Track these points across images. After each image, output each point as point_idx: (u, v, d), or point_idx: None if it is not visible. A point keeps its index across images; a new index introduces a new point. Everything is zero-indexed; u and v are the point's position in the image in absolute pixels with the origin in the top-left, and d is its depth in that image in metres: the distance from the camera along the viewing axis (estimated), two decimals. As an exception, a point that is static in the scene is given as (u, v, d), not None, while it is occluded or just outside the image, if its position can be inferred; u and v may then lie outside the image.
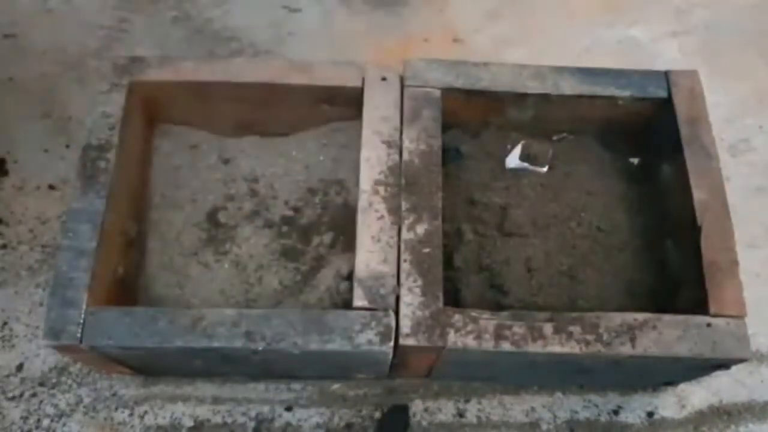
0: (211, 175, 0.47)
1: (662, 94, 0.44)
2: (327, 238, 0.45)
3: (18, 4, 0.60)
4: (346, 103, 0.45)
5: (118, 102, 0.43)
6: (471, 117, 0.46)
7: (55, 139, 0.55)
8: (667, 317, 0.38)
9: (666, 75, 0.44)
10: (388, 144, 0.42)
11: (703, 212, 0.41)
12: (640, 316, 0.38)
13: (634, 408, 0.47)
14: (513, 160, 0.43)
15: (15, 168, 0.54)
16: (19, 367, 0.47)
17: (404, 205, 0.41)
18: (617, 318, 0.38)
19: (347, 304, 0.40)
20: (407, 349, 0.38)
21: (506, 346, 0.37)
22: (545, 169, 0.43)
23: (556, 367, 0.42)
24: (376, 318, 0.38)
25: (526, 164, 0.43)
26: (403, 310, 0.38)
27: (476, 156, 0.46)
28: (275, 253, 0.45)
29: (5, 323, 0.48)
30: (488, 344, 0.37)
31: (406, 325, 0.37)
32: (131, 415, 0.46)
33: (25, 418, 0.46)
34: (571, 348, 0.37)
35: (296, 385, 0.47)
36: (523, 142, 0.43)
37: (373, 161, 0.42)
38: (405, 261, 0.39)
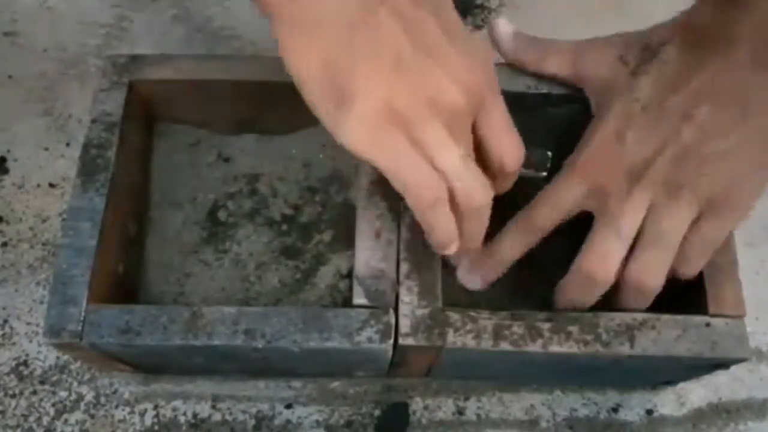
0: (211, 173, 0.47)
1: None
2: (327, 236, 0.45)
3: (18, 1, 0.60)
4: (346, 102, 0.45)
5: (118, 100, 0.43)
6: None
7: (55, 138, 0.55)
8: (665, 317, 0.38)
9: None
10: (388, 143, 0.42)
11: None
12: (639, 316, 0.38)
13: (633, 406, 0.47)
14: None
15: (15, 166, 0.54)
16: (20, 365, 0.47)
17: (404, 204, 0.40)
18: (616, 318, 0.38)
19: (347, 302, 0.40)
20: (406, 348, 0.38)
21: (505, 345, 0.37)
22: (544, 174, 0.43)
23: (555, 367, 0.42)
24: (375, 316, 0.38)
25: (525, 170, 0.43)
26: (402, 309, 0.38)
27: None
28: (275, 251, 0.45)
29: (5, 321, 0.49)
30: (487, 344, 0.37)
31: (405, 325, 0.37)
32: (131, 412, 0.46)
33: (25, 416, 0.46)
34: (570, 348, 0.37)
35: (296, 383, 0.47)
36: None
37: (372, 160, 0.42)
38: (404, 260, 0.39)
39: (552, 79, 0.43)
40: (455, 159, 0.33)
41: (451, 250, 0.36)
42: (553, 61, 0.42)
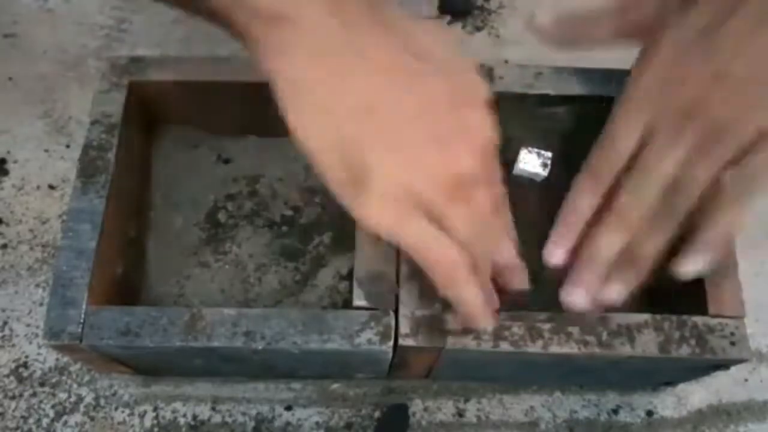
0: (211, 174, 0.47)
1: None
2: (327, 237, 0.45)
3: (18, 3, 0.60)
4: (346, 103, 0.45)
5: (118, 102, 0.43)
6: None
7: (55, 139, 0.55)
8: (666, 318, 0.38)
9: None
10: (388, 144, 0.42)
11: None
12: (639, 317, 0.38)
13: (634, 407, 0.47)
14: (516, 166, 0.43)
15: (15, 168, 0.54)
16: (20, 367, 0.47)
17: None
18: (616, 318, 0.38)
19: (347, 304, 0.40)
20: (406, 349, 0.38)
21: (505, 346, 0.37)
22: (546, 173, 0.43)
23: (555, 367, 0.42)
24: (375, 317, 0.38)
25: (526, 170, 0.43)
26: (402, 310, 0.38)
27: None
28: (275, 252, 0.45)
29: (5, 323, 0.49)
30: (487, 344, 0.37)
31: (405, 326, 0.37)
32: (131, 414, 0.46)
33: (25, 418, 0.46)
34: (570, 348, 0.37)
35: (296, 385, 0.47)
36: (523, 148, 0.43)
37: (372, 161, 0.42)
38: (404, 261, 0.39)
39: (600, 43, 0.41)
40: (469, 231, 0.32)
41: (480, 323, 0.35)
42: (599, 24, 0.41)
